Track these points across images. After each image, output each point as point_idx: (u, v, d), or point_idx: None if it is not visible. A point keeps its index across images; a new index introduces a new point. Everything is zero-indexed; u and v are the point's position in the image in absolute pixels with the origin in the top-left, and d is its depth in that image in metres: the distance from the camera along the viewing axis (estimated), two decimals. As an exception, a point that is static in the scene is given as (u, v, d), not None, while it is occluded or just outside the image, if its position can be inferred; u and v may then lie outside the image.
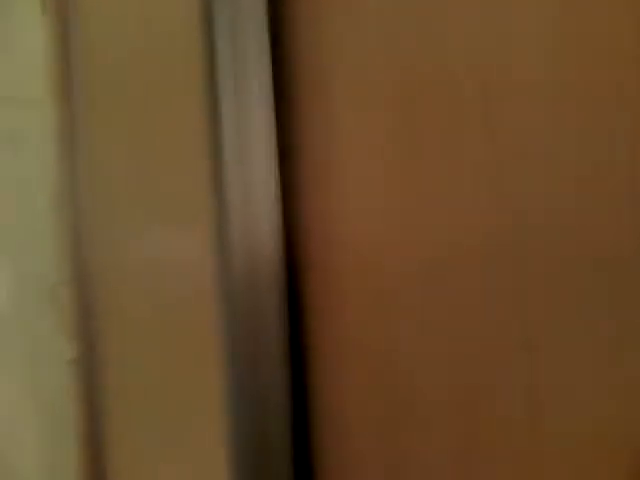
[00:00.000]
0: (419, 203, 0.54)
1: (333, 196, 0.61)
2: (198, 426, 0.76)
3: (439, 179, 0.53)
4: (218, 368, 0.67)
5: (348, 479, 0.60)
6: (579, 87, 0.45)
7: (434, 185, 0.53)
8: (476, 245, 0.51)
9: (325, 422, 0.62)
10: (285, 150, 0.63)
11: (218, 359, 0.67)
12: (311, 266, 0.63)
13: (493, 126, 0.51)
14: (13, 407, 1.09)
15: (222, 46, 0.63)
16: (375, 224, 0.59)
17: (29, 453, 1.09)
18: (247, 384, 0.61)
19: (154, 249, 0.86)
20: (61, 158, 1.06)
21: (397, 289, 0.56)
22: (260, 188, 0.62)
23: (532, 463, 0.48)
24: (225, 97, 0.62)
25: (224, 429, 0.63)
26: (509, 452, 0.49)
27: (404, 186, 0.56)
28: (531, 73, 0.47)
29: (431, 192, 0.53)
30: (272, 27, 0.63)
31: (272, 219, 0.62)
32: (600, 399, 0.45)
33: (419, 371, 0.53)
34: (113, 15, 0.96)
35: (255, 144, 0.62)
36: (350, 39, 0.59)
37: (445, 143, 0.53)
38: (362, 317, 0.59)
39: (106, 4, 0.99)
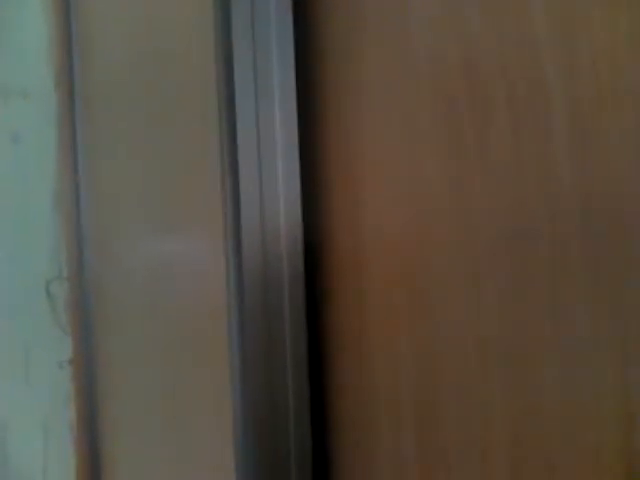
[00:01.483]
0: (442, 200, 0.53)
1: (355, 194, 0.59)
2: (206, 429, 0.74)
3: (461, 173, 0.52)
4: (229, 368, 0.65)
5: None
6: None
7: (456, 180, 0.52)
8: (503, 243, 0.49)
9: (344, 423, 0.60)
10: (307, 147, 0.61)
11: (229, 358, 0.65)
12: (331, 264, 0.61)
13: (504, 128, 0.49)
14: (6, 407, 1.06)
15: (240, 39, 0.60)
16: (397, 222, 0.57)
17: (23, 454, 1.06)
18: (260, 385, 0.59)
19: (162, 248, 0.83)
20: (62, 151, 1.03)
21: (420, 288, 0.54)
22: (280, 184, 0.60)
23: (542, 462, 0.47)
24: (243, 91, 0.60)
25: (233, 432, 0.61)
26: (537, 451, 0.48)
27: (427, 183, 0.54)
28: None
29: (454, 188, 0.52)
30: (296, 28, 0.61)
31: (292, 217, 0.60)
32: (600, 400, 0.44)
33: (445, 369, 0.52)
34: (119, 5, 0.93)
35: (276, 140, 0.60)
36: (376, 42, 0.57)
37: (438, 154, 0.52)
38: (383, 314, 0.57)
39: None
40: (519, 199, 0.47)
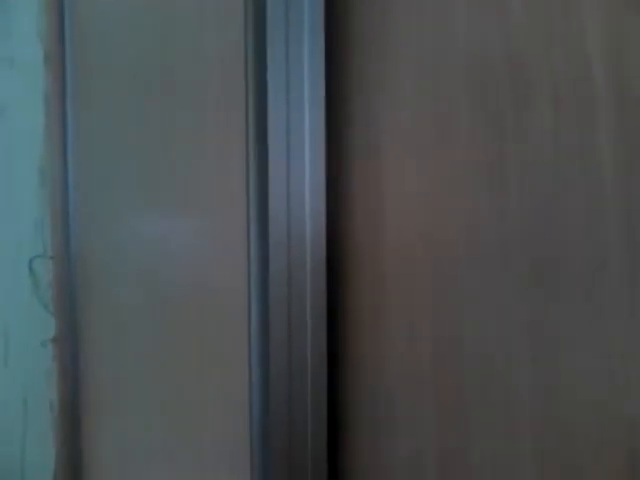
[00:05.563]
0: (459, 201, 0.54)
1: (377, 187, 0.59)
2: (203, 422, 0.74)
3: (475, 175, 0.53)
4: (239, 355, 0.65)
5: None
6: None
7: (472, 181, 0.53)
8: (536, 235, 0.50)
9: (359, 422, 0.60)
10: (333, 141, 0.61)
11: (239, 345, 0.65)
12: (353, 255, 0.61)
13: (521, 132, 0.50)
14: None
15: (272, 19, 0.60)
16: (414, 214, 0.58)
17: (1, 433, 1.03)
18: (278, 380, 0.59)
19: (163, 228, 0.82)
20: (50, 125, 1.00)
21: (445, 281, 0.55)
22: (307, 175, 0.60)
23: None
24: (273, 74, 0.60)
25: (250, 427, 0.61)
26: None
27: (444, 181, 0.55)
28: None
29: (470, 189, 0.53)
30: (327, 19, 0.61)
31: (316, 207, 0.60)
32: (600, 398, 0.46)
33: (468, 369, 0.53)
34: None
35: (304, 131, 0.60)
36: (402, 40, 0.58)
37: (474, 144, 0.53)
38: (403, 307, 0.58)
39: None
40: (556, 195, 0.48)
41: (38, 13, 1.01)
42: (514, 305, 0.52)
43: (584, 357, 0.48)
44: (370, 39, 0.62)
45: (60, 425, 1.04)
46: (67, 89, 0.99)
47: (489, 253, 0.53)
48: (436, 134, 0.57)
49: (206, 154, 0.73)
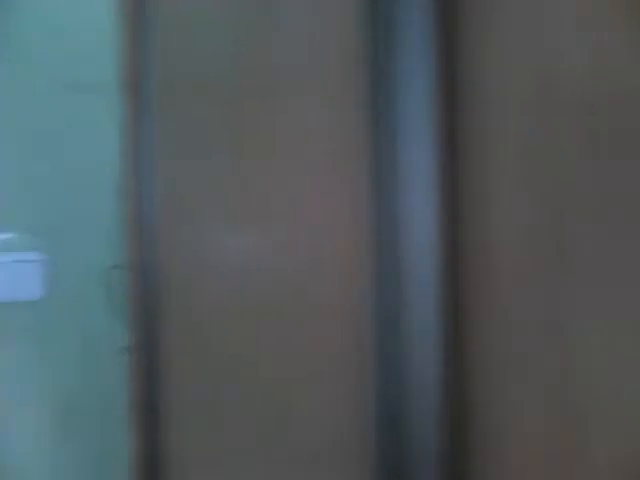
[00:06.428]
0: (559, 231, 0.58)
1: (491, 204, 0.62)
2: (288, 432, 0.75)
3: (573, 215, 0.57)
4: (344, 368, 0.68)
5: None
6: None
7: (571, 220, 0.57)
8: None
9: (482, 424, 0.62)
10: (447, 153, 0.65)
11: (349, 355, 0.67)
12: (470, 266, 0.64)
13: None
14: (64, 393, 1.07)
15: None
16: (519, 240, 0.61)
17: (81, 437, 1.07)
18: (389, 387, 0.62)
19: (246, 241, 0.86)
20: (127, 144, 1.05)
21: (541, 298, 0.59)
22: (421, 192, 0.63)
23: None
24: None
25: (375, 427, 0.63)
26: None
27: (547, 213, 0.59)
28: None
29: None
30: (440, 28, 0.65)
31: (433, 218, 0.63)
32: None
33: (594, 376, 0.56)
34: None
35: (415, 142, 0.65)
36: (515, 50, 0.62)
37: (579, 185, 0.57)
38: (521, 316, 0.61)
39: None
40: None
41: (119, 42, 1.06)
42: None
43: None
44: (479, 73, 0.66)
45: (138, 430, 1.08)
46: (144, 109, 1.03)
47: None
48: (543, 170, 0.61)
49: (307, 168, 0.77)
